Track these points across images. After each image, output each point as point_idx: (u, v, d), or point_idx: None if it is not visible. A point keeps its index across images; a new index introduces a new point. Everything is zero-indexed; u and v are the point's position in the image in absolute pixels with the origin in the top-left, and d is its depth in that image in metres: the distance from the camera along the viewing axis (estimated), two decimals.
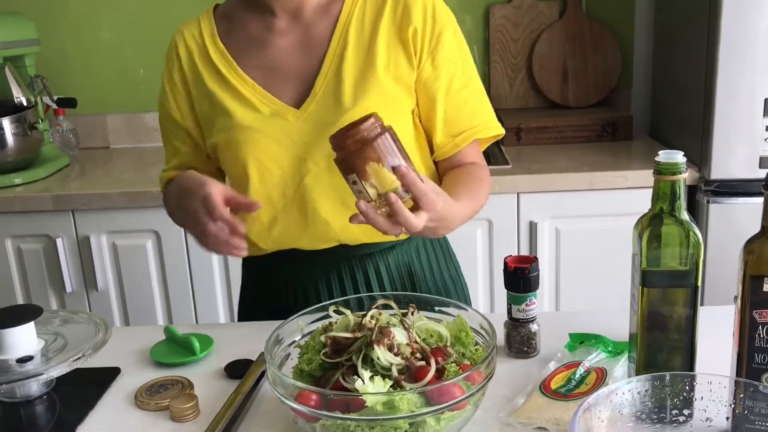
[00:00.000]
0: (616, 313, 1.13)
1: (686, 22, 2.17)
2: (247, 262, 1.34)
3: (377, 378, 0.83)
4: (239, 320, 1.37)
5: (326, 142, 0.97)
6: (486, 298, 2.14)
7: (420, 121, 1.21)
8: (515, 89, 2.60)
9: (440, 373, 0.86)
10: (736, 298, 0.86)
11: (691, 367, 0.89)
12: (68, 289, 2.15)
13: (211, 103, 1.19)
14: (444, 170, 1.24)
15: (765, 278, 0.82)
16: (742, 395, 0.80)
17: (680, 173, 0.84)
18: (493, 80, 2.59)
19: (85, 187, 2.17)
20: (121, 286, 2.18)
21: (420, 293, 1.23)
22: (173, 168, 1.28)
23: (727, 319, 0.91)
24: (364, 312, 0.93)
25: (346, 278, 1.22)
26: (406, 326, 0.91)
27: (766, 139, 1.94)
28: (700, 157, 2.02)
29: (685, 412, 0.82)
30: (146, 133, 2.69)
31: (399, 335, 0.88)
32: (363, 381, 0.82)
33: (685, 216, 0.86)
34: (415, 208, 0.95)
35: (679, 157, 0.84)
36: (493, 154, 2.24)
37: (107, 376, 1.08)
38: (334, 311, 0.98)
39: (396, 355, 0.86)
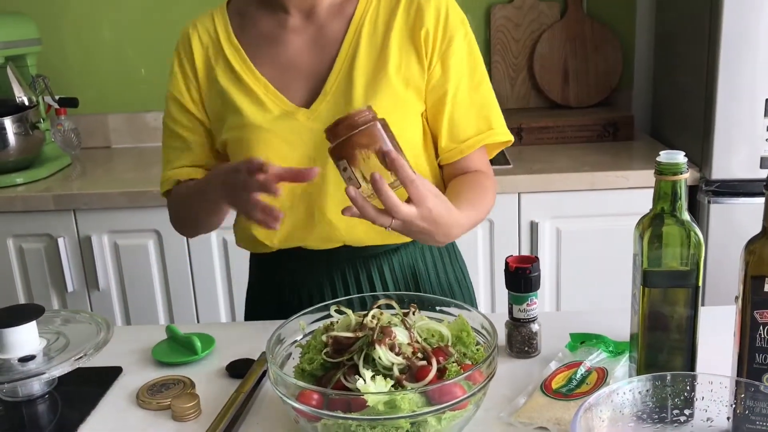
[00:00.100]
0: (617, 313, 1.13)
1: (687, 21, 2.17)
2: (254, 260, 1.34)
3: (378, 378, 0.83)
4: (246, 319, 1.37)
5: None
6: (487, 298, 2.14)
7: (428, 125, 1.21)
8: (516, 89, 2.61)
9: (441, 373, 0.86)
10: (737, 298, 0.86)
11: (692, 367, 0.89)
12: (70, 288, 2.15)
13: (223, 100, 1.18)
14: (449, 176, 1.22)
15: (766, 278, 0.83)
16: (743, 395, 0.80)
17: (681, 173, 0.85)
18: (494, 80, 2.59)
19: (86, 186, 2.17)
20: (122, 286, 2.18)
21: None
22: (182, 166, 1.24)
23: (728, 319, 0.91)
24: (366, 312, 0.93)
25: (350, 279, 1.22)
26: (408, 326, 0.91)
27: (767, 139, 1.94)
28: (701, 157, 2.02)
29: (686, 412, 0.82)
30: (147, 132, 2.69)
31: (400, 335, 0.88)
32: (364, 380, 0.82)
33: (686, 216, 0.86)
34: (406, 201, 0.94)
35: (680, 157, 0.84)
36: None
37: (109, 375, 1.08)
38: (335, 311, 0.98)
39: (397, 354, 0.86)
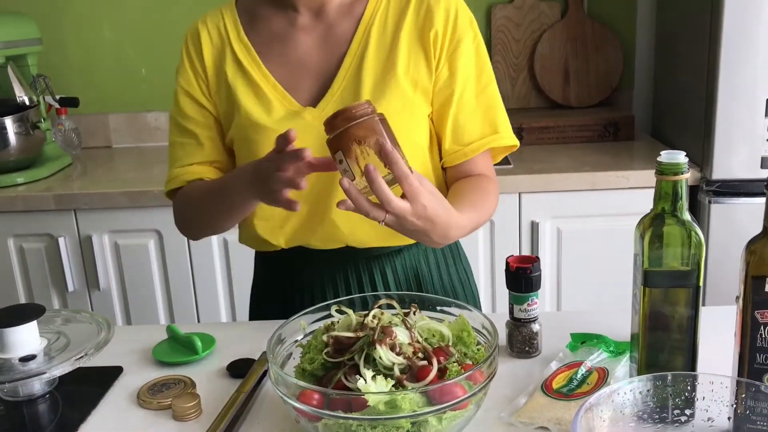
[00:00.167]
0: (617, 313, 1.13)
1: (688, 21, 2.17)
2: (258, 259, 1.34)
3: (379, 377, 0.83)
4: (250, 317, 1.37)
5: None
6: (488, 297, 2.14)
7: (433, 127, 1.20)
8: (517, 89, 2.61)
9: (442, 373, 0.86)
10: (737, 298, 0.86)
11: (693, 367, 0.89)
12: (70, 288, 2.15)
13: (230, 98, 1.17)
14: (452, 179, 1.22)
15: (766, 278, 0.83)
16: (743, 395, 0.80)
17: (682, 173, 0.84)
18: None
19: (87, 186, 2.17)
20: (123, 286, 2.18)
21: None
22: (192, 164, 1.22)
23: (729, 319, 0.91)
24: (366, 312, 0.93)
25: (353, 280, 1.22)
26: (408, 326, 0.91)
27: (767, 139, 1.94)
28: (701, 157, 2.02)
29: (687, 412, 0.82)
30: (148, 132, 2.69)
31: (401, 335, 0.88)
32: (365, 380, 0.82)
33: (686, 216, 0.86)
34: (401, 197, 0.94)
35: (681, 157, 0.84)
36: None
37: (110, 375, 1.08)
38: (336, 311, 0.98)
39: (398, 354, 0.86)
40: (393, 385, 0.83)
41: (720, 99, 1.92)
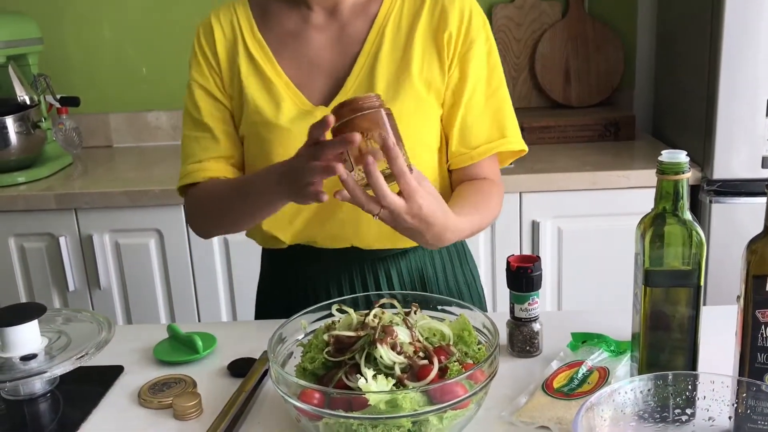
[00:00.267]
0: (618, 312, 1.13)
1: (689, 21, 2.17)
2: (265, 256, 1.33)
3: (380, 377, 0.83)
4: (256, 313, 1.37)
5: None
6: (488, 297, 2.14)
7: (442, 128, 1.19)
8: (518, 89, 2.60)
9: (443, 372, 0.86)
10: (738, 297, 0.86)
11: (694, 367, 0.89)
12: (71, 287, 2.15)
13: (243, 94, 1.17)
14: (457, 182, 1.21)
15: (767, 278, 0.83)
16: (744, 395, 0.80)
17: (683, 173, 0.84)
18: None
19: (87, 185, 2.17)
20: (123, 285, 2.19)
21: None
22: (207, 159, 1.19)
23: (730, 318, 0.91)
24: (367, 311, 0.93)
25: (357, 281, 1.22)
26: (409, 325, 0.91)
27: None
28: (702, 156, 2.02)
29: (688, 411, 0.82)
30: (149, 132, 2.69)
31: (402, 334, 0.88)
32: (366, 380, 0.82)
33: (687, 216, 0.86)
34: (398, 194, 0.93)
35: (682, 156, 0.84)
36: None
37: (110, 374, 1.09)
38: (337, 310, 0.98)
39: (399, 353, 0.86)
40: (394, 385, 0.83)
41: (721, 98, 1.92)
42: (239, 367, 1.07)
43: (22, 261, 2.17)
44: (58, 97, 2.37)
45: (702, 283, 0.87)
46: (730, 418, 0.81)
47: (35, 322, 1.02)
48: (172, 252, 2.14)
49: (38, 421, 1.00)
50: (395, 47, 1.15)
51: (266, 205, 1.10)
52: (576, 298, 2.13)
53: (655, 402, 0.81)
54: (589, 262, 2.09)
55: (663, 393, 0.81)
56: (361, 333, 0.88)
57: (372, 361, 0.86)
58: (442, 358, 0.88)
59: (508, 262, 1.08)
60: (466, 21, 1.15)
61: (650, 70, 2.56)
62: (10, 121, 2.19)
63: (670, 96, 2.38)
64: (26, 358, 0.99)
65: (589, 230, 2.07)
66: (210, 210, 1.20)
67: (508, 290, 1.09)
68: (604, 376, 0.97)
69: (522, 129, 2.42)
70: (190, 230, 2.08)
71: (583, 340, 1.07)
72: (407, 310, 0.96)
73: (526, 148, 1.22)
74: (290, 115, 1.14)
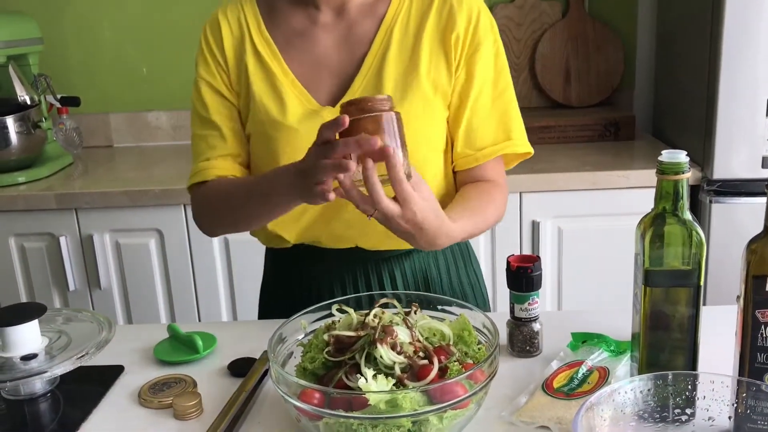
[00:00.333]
0: (618, 312, 1.13)
1: (689, 21, 2.17)
2: (269, 255, 1.33)
3: (380, 376, 0.83)
4: (259, 312, 1.37)
5: None
6: (489, 297, 2.14)
7: (448, 130, 1.19)
8: (518, 89, 2.58)
9: (443, 372, 0.86)
10: (738, 297, 0.86)
11: (694, 367, 0.89)
12: (71, 287, 2.16)
13: (249, 92, 1.16)
14: (461, 183, 1.21)
15: (767, 278, 0.83)
16: (744, 395, 0.80)
17: (683, 173, 0.84)
18: None
19: (88, 185, 2.17)
20: (124, 285, 2.19)
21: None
22: (216, 157, 1.19)
23: (730, 318, 0.91)
24: (367, 311, 0.93)
25: (361, 282, 1.22)
26: (409, 325, 0.91)
27: None
28: (702, 156, 2.02)
29: (688, 411, 0.82)
30: (149, 132, 2.69)
31: (402, 334, 0.88)
32: (366, 379, 0.82)
33: (687, 216, 0.86)
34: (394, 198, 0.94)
35: (681, 156, 0.84)
36: None
37: (111, 374, 1.09)
38: (337, 310, 0.98)
39: (399, 353, 0.86)
40: (394, 384, 0.83)
41: (721, 99, 1.92)
42: (239, 367, 1.07)
43: (23, 261, 2.17)
44: (59, 96, 2.37)
45: (702, 283, 0.88)
46: (729, 418, 0.81)
47: (35, 322, 1.02)
48: (172, 252, 2.14)
49: (38, 421, 1.00)
50: (403, 48, 1.14)
51: (276, 207, 1.10)
52: (576, 298, 2.13)
53: (655, 402, 0.81)
54: (589, 262, 2.09)
55: (663, 393, 0.81)
56: (361, 333, 0.88)
57: (372, 361, 0.86)
58: (442, 358, 0.88)
59: (508, 262, 1.08)
60: (474, 22, 1.14)
61: (650, 70, 2.56)
62: (10, 121, 2.19)
63: (670, 96, 2.38)
64: (26, 358, 0.99)
65: (589, 230, 2.07)
66: (218, 209, 1.20)
67: (508, 290, 1.09)
68: (604, 376, 0.97)
69: None
70: (191, 230, 2.10)
71: (583, 340, 1.07)
72: (407, 310, 0.96)
73: (531, 150, 1.22)
74: (297, 115, 1.13)
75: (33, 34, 2.38)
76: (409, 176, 0.93)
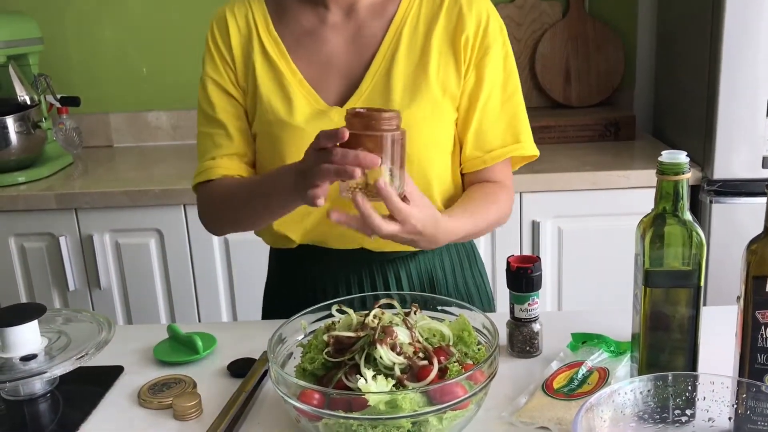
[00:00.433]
0: (618, 312, 1.13)
1: (689, 21, 2.17)
2: (273, 255, 1.33)
3: (380, 377, 0.83)
4: (263, 311, 1.36)
5: None
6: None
7: (456, 132, 1.19)
8: None
9: (443, 373, 0.86)
10: (738, 298, 0.86)
11: (694, 368, 0.89)
12: (71, 287, 2.16)
13: (256, 91, 1.16)
14: (468, 184, 1.21)
15: (767, 279, 0.83)
16: (744, 395, 0.80)
17: (683, 173, 0.84)
18: None
19: (88, 185, 2.17)
20: (124, 285, 2.19)
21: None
22: (222, 156, 1.19)
23: (730, 319, 0.91)
24: (367, 311, 0.93)
25: (366, 282, 1.22)
26: (409, 325, 0.91)
27: None
28: (703, 157, 2.02)
29: (688, 412, 0.82)
30: (149, 132, 2.69)
31: (401, 334, 0.88)
32: (366, 380, 0.82)
33: (688, 216, 0.86)
34: (390, 217, 0.95)
35: (682, 157, 0.84)
36: None
37: (110, 374, 1.09)
38: (336, 310, 0.98)
39: (398, 354, 0.86)
40: (393, 385, 0.83)
41: (721, 99, 1.92)
42: (239, 368, 1.07)
43: (23, 261, 2.17)
44: (59, 96, 2.37)
45: (702, 284, 0.87)
46: (730, 419, 0.81)
47: (35, 322, 1.02)
48: (172, 252, 2.14)
49: (38, 422, 1.00)
50: (412, 49, 1.14)
51: (278, 206, 1.10)
52: (576, 298, 2.13)
53: (655, 403, 0.81)
54: (589, 262, 2.09)
55: (663, 394, 0.81)
56: (361, 333, 0.88)
57: (372, 361, 0.86)
58: (442, 358, 0.88)
59: (508, 263, 1.08)
60: (483, 25, 1.14)
61: (650, 70, 2.56)
62: (10, 121, 2.19)
63: (670, 96, 2.38)
64: (26, 359, 0.99)
65: (589, 230, 2.07)
66: (223, 208, 1.20)
67: (508, 290, 1.09)
68: (603, 376, 0.97)
69: None
70: (191, 230, 2.10)
71: (583, 340, 1.07)
72: (407, 310, 0.96)
73: (538, 153, 1.22)
74: (304, 115, 1.13)
75: (33, 34, 2.38)
76: (403, 193, 0.94)
